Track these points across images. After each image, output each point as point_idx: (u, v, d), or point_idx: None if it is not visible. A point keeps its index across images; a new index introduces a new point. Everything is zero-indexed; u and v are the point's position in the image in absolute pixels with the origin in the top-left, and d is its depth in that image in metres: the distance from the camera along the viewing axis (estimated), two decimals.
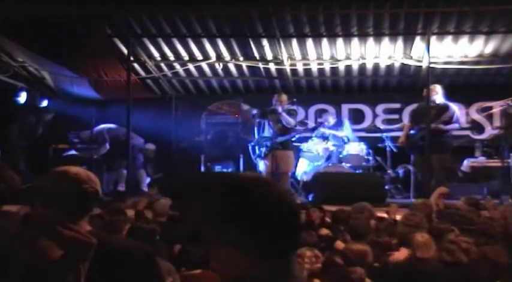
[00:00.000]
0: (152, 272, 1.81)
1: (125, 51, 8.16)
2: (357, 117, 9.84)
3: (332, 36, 8.01)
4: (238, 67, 9.16)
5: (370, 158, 8.33)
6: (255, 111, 8.05)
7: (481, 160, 8.34)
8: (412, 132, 7.85)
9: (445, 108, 7.46)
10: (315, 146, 8.44)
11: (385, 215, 5.44)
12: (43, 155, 8.64)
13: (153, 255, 1.87)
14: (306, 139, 8.66)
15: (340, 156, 8.25)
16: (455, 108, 7.52)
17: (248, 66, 9.08)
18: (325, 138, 8.43)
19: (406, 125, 8.04)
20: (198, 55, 8.75)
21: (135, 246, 1.88)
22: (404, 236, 4.06)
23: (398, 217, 5.07)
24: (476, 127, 9.36)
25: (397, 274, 3.55)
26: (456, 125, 7.56)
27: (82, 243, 1.60)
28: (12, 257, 1.58)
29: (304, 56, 8.67)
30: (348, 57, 8.64)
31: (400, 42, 8.14)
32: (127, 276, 1.72)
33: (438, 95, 7.48)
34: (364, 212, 4.98)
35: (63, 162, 8.16)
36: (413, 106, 8.40)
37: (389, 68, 8.99)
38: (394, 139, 8.67)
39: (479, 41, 8.00)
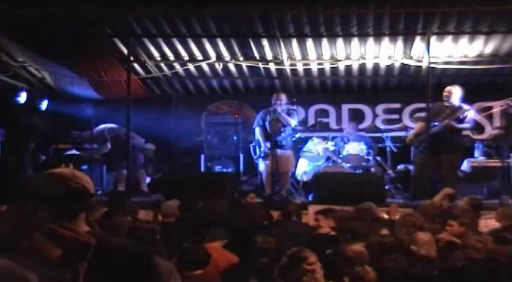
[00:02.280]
0: (151, 272, 1.82)
1: (125, 51, 8.14)
2: (357, 117, 9.85)
3: (332, 36, 8.00)
4: (238, 67, 9.15)
5: (370, 158, 8.33)
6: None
7: (481, 160, 8.32)
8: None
9: (458, 108, 7.36)
10: (315, 146, 8.45)
11: (385, 215, 5.44)
12: (43, 155, 8.64)
13: (152, 255, 1.87)
14: (306, 139, 8.67)
15: (340, 156, 8.25)
16: (469, 109, 7.40)
17: (248, 66, 9.07)
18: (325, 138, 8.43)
19: (419, 124, 7.83)
20: (198, 55, 8.75)
21: (134, 246, 1.88)
22: (401, 235, 4.06)
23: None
24: (476, 127, 9.34)
25: (398, 273, 3.54)
26: (468, 125, 7.38)
27: (81, 243, 1.61)
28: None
29: (304, 56, 8.66)
30: (348, 57, 8.64)
31: (400, 42, 8.14)
32: (126, 276, 1.73)
33: (456, 96, 7.30)
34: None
35: (64, 162, 8.17)
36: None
37: (389, 68, 8.99)
38: (394, 139, 8.67)
39: (479, 41, 7.99)
